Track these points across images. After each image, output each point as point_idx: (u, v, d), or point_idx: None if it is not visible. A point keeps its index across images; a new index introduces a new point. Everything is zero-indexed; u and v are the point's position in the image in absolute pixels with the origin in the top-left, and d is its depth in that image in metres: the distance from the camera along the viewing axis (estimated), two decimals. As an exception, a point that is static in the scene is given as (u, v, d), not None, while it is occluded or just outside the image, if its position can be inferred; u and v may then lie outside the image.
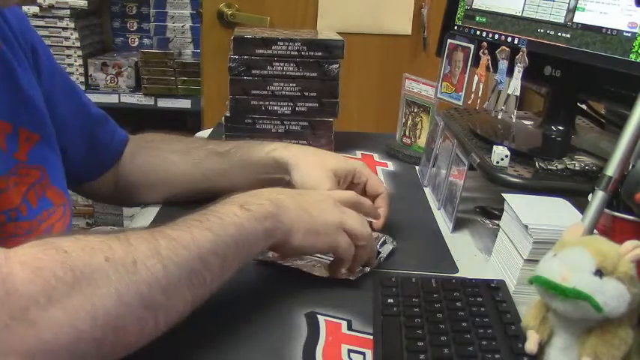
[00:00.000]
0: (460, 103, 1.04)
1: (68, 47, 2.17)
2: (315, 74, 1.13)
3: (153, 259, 0.51)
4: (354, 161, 0.88)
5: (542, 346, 0.53)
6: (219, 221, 0.59)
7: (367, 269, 0.73)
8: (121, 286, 0.48)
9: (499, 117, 1.00)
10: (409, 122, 1.20)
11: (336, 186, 0.82)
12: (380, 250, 0.78)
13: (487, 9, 1.04)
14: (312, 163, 0.84)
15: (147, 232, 0.54)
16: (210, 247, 0.56)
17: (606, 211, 0.60)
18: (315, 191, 0.76)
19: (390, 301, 0.63)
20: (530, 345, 0.53)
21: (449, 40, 1.06)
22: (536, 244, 0.66)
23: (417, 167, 1.15)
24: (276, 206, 0.64)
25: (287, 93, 1.14)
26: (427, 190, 1.04)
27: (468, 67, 1.01)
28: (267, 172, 0.87)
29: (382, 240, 0.81)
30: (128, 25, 2.40)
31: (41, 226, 0.72)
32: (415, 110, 1.19)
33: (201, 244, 0.56)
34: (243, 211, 0.61)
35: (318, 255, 0.75)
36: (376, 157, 1.20)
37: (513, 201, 0.73)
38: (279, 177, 0.87)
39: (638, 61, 0.80)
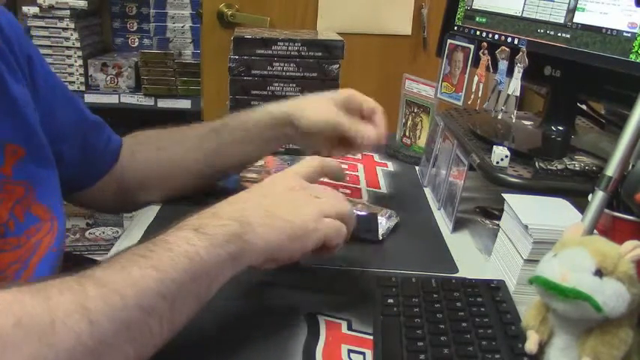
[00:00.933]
0: (460, 103, 1.04)
1: (68, 48, 2.17)
2: (315, 74, 1.13)
3: (77, 314, 0.43)
4: (344, 90, 0.89)
5: (542, 346, 0.53)
6: (167, 254, 0.50)
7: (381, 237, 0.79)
8: (33, 355, 0.40)
9: (499, 117, 1.00)
10: (409, 122, 1.20)
11: (343, 115, 0.84)
12: (388, 222, 0.83)
13: (487, 9, 1.04)
14: (313, 105, 0.85)
15: (74, 279, 0.46)
16: (154, 288, 0.48)
17: (606, 211, 0.60)
18: (278, 181, 0.66)
19: (390, 301, 0.63)
20: (530, 345, 0.53)
21: (449, 41, 1.06)
22: (536, 244, 0.66)
23: (417, 167, 1.15)
24: (241, 224, 0.56)
25: (287, 93, 1.14)
26: (427, 190, 1.04)
27: (468, 68, 1.01)
28: (271, 130, 0.87)
29: (388, 214, 0.85)
30: (128, 25, 2.40)
31: (30, 240, 0.69)
32: (415, 110, 1.19)
33: (142, 286, 0.47)
34: (199, 237, 0.52)
35: None
36: (376, 157, 1.20)
37: (513, 201, 0.73)
38: (283, 133, 0.87)
39: (638, 61, 0.80)
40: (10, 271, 0.67)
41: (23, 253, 0.69)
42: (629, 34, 0.81)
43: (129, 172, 0.89)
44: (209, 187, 0.92)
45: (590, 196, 0.59)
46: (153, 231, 0.82)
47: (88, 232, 2.37)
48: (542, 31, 0.94)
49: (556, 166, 0.85)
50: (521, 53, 0.92)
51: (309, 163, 0.69)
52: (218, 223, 0.55)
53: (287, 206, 0.61)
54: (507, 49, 0.95)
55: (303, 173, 0.67)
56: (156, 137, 0.92)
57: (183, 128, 0.93)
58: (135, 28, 2.40)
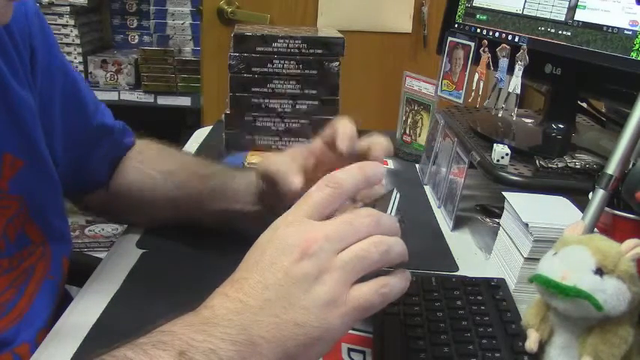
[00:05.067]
0: (460, 101, 1.04)
1: (68, 44, 2.17)
2: (315, 72, 1.13)
3: None
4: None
5: (542, 345, 0.53)
6: None
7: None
8: None
9: (499, 115, 1.00)
10: (409, 120, 1.20)
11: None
12: None
13: (488, 7, 1.04)
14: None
15: None
16: None
17: (607, 209, 0.59)
18: (278, 252, 0.46)
19: (390, 299, 0.63)
20: (531, 344, 0.53)
21: (449, 38, 1.05)
22: (537, 243, 0.66)
23: (417, 165, 1.14)
24: (243, 346, 0.42)
25: (287, 91, 1.14)
26: (427, 188, 1.04)
27: (469, 65, 1.01)
28: (239, 202, 0.76)
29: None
30: (128, 22, 2.40)
31: (22, 265, 0.67)
32: (415, 108, 1.19)
33: None
34: None
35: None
36: (376, 155, 1.20)
37: (514, 199, 0.73)
38: (248, 210, 0.75)
39: (638, 59, 0.80)
40: (4, 299, 0.65)
41: (16, 278, 0.66)
42: (630, 32, 0.81)
43: (114, 187, 0.83)
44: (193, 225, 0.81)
45: (590, 195, 0.59)
46: (153, 230, 0.83)
47: (87, 229, 2.36)
48: (542, 28, 0.94)
49: (556, 164, 0.85)
50: (521, 51, 0.92)
51: (321, 187, 0.49)
52: (211, 342, 0.42)
53: (296, 298, 0.44)
54: (508, 47, 0.95)
55: (312, 210, 0.48)
56: (147, 159, 0.84)
57: (176, 157, 0.85)
58: (135, 25, 2.40)
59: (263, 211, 0.74)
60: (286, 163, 0.65)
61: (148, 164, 0.84)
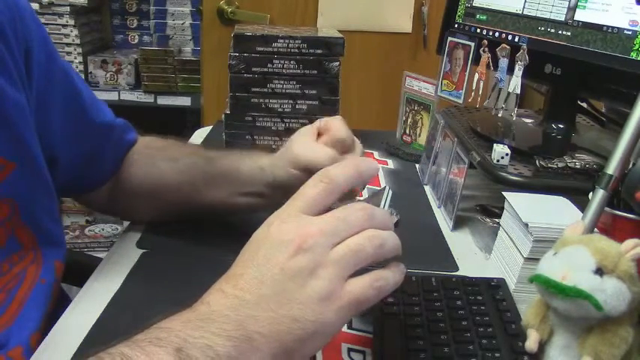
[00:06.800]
0: (460, 101, 1.04)
1: (68, 44, 2.17)
2: (315, 72, 1.13)
3: None
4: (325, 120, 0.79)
5: (542, 345, 0.53)
6: None
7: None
8: None
9: (499, 115, 1.00)
10: (409, 120, 1.20)
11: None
12: None
13: (488, 7, 1.04)
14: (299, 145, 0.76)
15: None
16: None
17: (607, 209, 0.59)
18: (274, 249, 0.46)
19: (390, 299, 0.63)
20: (531, 344, 0.53)
21: (449, 38, 1.05)
22: (537, 243, 0.66)
23: (417, 165, 1.14)
24: (240, 342, 0.42)
25: (287, 91, 1.13)
26: (427, 188, 1.04)
27: (469, 65, 1.01)
28: (251, 184, 0.78)
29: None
30: (128, 22, 2.40)
31: (12, 270, 0.66)
32: (415, 108, 1.19)
33: None
34: None
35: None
36: (376, 155, 1.20)
37: (513, 199, 0.73)
38: (260, 191, 0.77)
39: (638, 59, 0.80)
40: None
41: (7, 283, 0.66)
42: (630, 32, 0.81)
43: (121, 182, 0.83)
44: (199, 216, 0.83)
45: (590, 195, 0.59)
46: (153, 230, 0.83)
47: (87, 229, 2.37)
48: (542, 28, 0.94)
49: (556, 165, 0.85)
50: (521, 51, 0.92)
51: (314, 183, 0.50)
52: (208, 338, 0.42)
53: (291, 293, 0.45)
54: (508, 47, 0.95)
55: (306, 205, 0.49)
56: (154, 150, 0.85)
57: (182, 147, 0.87)
58: (135, 25, 2.40)
59: (276, 194, 0.75)
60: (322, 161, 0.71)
61: (156, 155, 0.84)
